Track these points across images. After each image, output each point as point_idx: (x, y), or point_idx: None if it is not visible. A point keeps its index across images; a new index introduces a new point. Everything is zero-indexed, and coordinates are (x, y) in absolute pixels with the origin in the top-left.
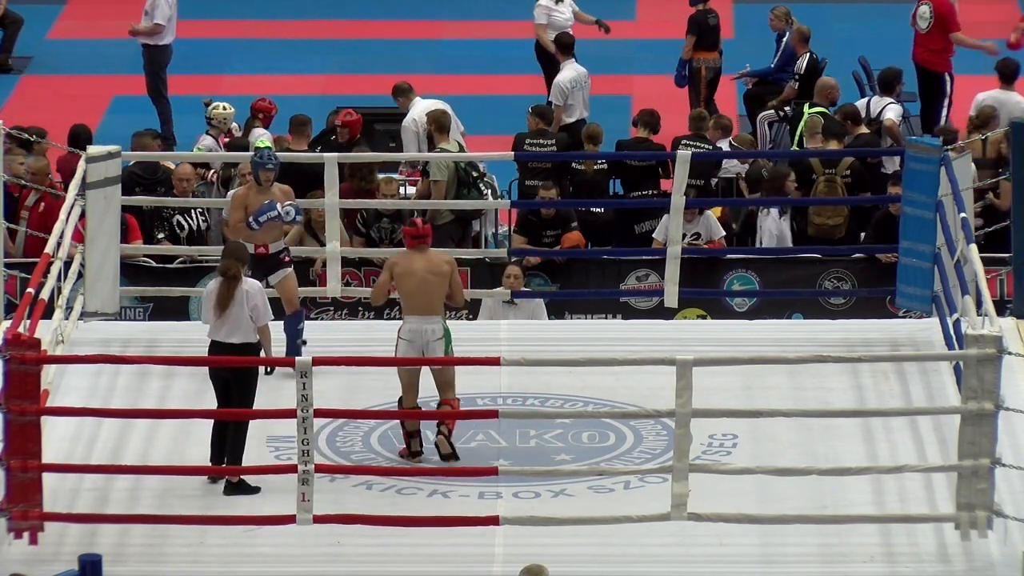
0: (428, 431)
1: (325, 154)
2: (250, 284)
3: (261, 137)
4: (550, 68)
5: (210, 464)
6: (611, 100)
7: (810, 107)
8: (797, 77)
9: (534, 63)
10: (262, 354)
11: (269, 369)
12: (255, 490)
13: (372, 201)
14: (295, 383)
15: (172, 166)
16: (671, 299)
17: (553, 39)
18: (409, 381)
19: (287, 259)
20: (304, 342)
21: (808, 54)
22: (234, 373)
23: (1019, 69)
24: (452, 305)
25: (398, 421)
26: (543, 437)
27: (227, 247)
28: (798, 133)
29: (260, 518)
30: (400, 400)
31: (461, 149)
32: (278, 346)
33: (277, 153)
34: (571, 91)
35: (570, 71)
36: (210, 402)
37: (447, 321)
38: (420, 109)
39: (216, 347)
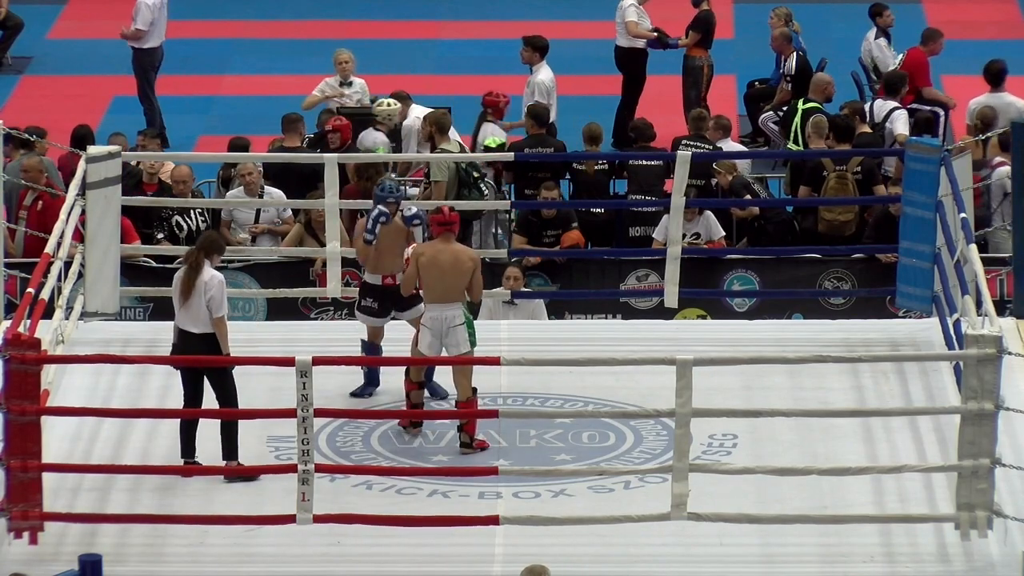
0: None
1: (325, 154)
2: (210, 275)
3: (494, 135)
4: (635, 69)
5: (181, 451)
6: (611, 100)
7: (804, 103)
8: (788, 79)
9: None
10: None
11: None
12: (255, 476)
13: (371, 201)
14: (295, 383)
15: (172, 166)
16: (671, 299)
17: (530, 40)
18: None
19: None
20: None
21: (795, 53)
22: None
23: (1005, 69)
24: (469, 299)
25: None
26: (543, 437)
27: (201, 237)
28: (793, 130)
29: (260, 518)
30: (407, 371)
31: (462, 149)
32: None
33: (278, 152)
34: (550, 91)
35: (548, 72)
36: (211, 401)
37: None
38: (420, 112)
39: (179, 334)
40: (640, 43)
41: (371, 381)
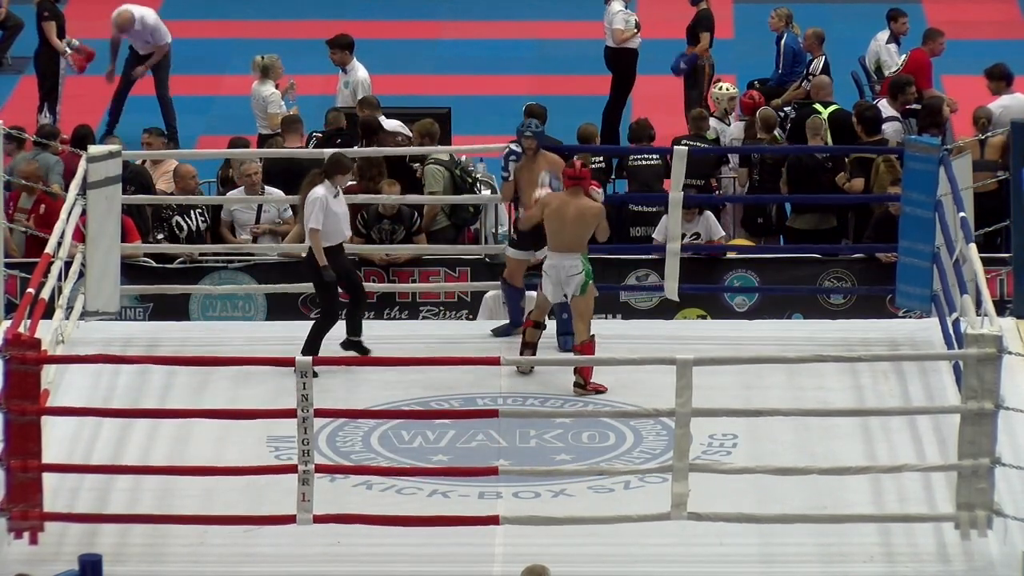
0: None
1: (325, 150)
2: (311, 194)
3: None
4: (624, 69)
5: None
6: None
7: (825, 105)
8: (810, 79)
9: (534, 63)
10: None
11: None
12: (367, 351)
13: (374, 196)
14: (295, 382)
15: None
16: (671, 292)
17: (335, 41)
18: (541, 308)
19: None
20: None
21: (823, 56)
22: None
23: (1007, 70)
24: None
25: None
26: (543, 437)
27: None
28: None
29: (260, 518)
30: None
31: (451, 157)
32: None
33: (276, 151)
34: (368, 87)
35: (363, 69)
36: (210, 401)
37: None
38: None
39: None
40: (632, 44)
41: (515, 322)
